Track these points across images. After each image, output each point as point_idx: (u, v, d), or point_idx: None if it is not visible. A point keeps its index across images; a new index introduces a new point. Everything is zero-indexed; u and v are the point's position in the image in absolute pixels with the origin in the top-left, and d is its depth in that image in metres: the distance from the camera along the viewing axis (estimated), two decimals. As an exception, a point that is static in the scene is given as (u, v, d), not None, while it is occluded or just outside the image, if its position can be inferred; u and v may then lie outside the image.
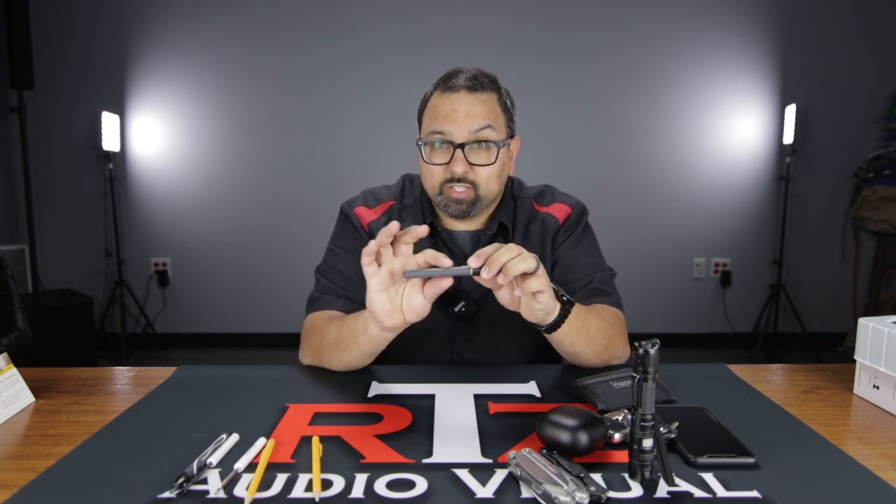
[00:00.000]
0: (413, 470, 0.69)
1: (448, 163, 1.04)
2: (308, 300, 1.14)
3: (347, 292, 1.11)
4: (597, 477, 0.67)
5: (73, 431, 0.79)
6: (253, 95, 3.51)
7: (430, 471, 0.68)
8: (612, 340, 1.00)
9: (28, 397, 0.89)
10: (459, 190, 1.04)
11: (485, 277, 0.78)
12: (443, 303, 1.09)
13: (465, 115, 1.02)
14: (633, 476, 0.66)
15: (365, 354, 0.96)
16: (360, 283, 1.11)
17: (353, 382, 0.97)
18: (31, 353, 1.60)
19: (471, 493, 0.64)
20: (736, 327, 3.71)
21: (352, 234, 1.16)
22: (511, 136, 1.10)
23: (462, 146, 1.02)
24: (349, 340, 0.95)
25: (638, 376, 0.64)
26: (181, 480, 0.64)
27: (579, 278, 1.12)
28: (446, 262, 0.79)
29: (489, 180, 1.05)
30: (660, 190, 3.60)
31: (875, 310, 3.55)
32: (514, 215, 1.16)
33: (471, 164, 1.04)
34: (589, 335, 0.95)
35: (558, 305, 0.87)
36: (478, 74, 1.05)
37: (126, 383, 0.99)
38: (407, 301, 0.82)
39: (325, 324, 1.03)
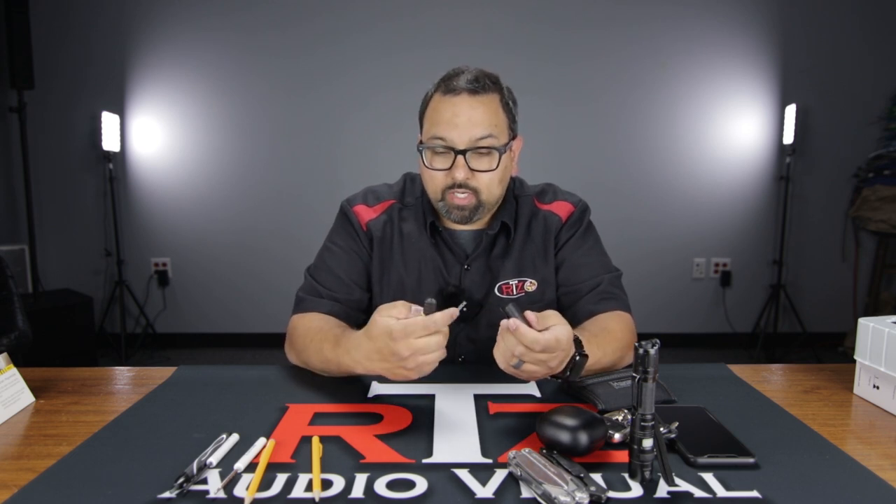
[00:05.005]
0: (413, 470, 0.69)
1: (449, 168, 1.02)
2: (295, 299, 1.13)
3: (333, 293, 1.10)
4: (597, 477, 0.67)
5: (73, 431, 0.79)
6: (253, 95, 3.51)
7: (430, 471, 0.69)
8: (621, 359, 0.99)
9: (28, 397, 0.89)
10: (461, 196, 1.03)
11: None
12: (445, 303, 1.10)
13: (467, 120, 1.00)
14: (633, 476, 0.66)
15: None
16: (347, 284, 1.12)
17: (353, 382, 0.97)
18: (31, 353, 1.60)
19: (471, 493, 0.64)
20: (736, 327, 3.71)
21: (349, 233, 1.15)
22: (513, 137, 1.09)
23: (464, 152, 1.01)
24: (334, 370, 0.95)
25: (638, 376, 0.64)
26: (181, 480, 0.64)
27: (586, 279, 1.11)
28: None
29: (491, 186, 1.04)
30: (660, 190, 3.59)
31: (875, 310, 3.54)
32: (516, 214, 1.15)
33: (472, 169, 1.02)
34: (601, 367, 0.94)
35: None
36: (479, 76, 1.03)
37: (126, 383, 0.99)
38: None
39: (309, 334, 1.01)
